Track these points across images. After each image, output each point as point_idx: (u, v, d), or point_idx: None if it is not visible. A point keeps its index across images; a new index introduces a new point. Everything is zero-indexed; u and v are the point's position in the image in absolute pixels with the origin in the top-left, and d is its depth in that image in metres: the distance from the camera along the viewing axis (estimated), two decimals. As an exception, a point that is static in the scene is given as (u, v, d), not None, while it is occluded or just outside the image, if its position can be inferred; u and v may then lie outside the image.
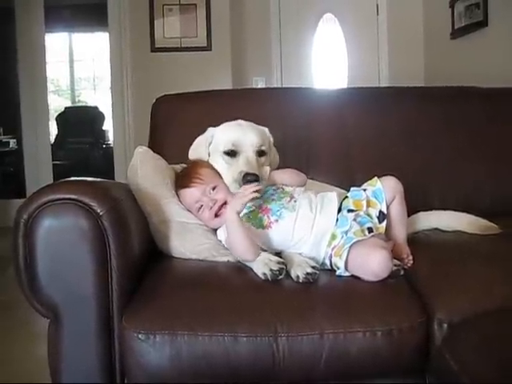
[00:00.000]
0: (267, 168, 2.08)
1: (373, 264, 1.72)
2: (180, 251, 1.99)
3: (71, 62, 11.88)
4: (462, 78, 3.64)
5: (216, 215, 1.97)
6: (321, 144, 2.66)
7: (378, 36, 6.07)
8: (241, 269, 1.85)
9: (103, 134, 10.46)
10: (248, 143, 2.08)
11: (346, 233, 1.84)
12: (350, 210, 1.91)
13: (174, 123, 2.66)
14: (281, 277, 1.75)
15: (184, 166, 2.19)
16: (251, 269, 1.82)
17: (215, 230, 2.00)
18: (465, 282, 1.75)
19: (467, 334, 1.55)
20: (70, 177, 1.82)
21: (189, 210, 2.03)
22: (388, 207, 1.95)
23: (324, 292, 1.75)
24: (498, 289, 1.71)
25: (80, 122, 10.30)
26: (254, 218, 1.92)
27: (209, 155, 2.16)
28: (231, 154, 2.08)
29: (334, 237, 1.86)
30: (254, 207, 1.94)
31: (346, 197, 1.98)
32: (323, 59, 6.46)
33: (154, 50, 6.01)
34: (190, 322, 1.60)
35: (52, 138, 8.86)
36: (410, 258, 1.90)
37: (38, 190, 1.71)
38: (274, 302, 1.67)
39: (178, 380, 1.60)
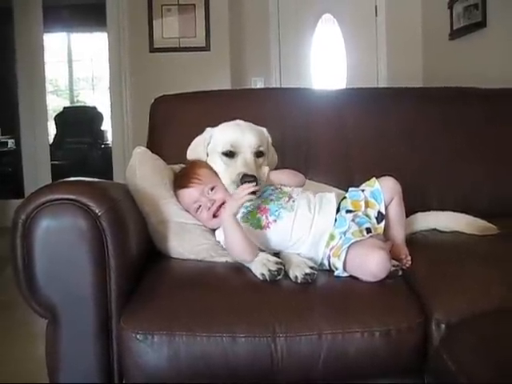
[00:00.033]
0: (265, 168, 2.08)
1: (371, 264, 1.72)
2: (178, 251, 1.99)
3: (70, 62, 11.87)
4: (460, 79, 3.63)
5: (214, 215, 1.97)
6: (319, 144, 2.66)
7: (376, 37, 6.09)
8: (239, 269, 1.85)
9: (102, 134, 10.45)
10: (246, 144, 2.08)
11: (345, 233, 1.84)
12: (348, 211, 1.91)
13: (172, 123, 2.66)
14: (279, 277, 1.75)
15: (182, 166, 2.19)
16: (249, 269, 1.82)
17: (214, 231, 2.00)
18: (463, 283, 1.75)
19: (465, 335, 1.55)
20: (68, 177, 1.82)
21: (187, 211, 2.04)
22: (386, 208, 1.95)
23: (322, 292, 1.75)
24: (495, 289, 1.71)
25: (78, 122, 10.30)
26: (253, 219, 1.92)
27: (207, 155, 2.16)
28: (229, 154, 2.07)
29: (332, 237, 1.87)
30: (252, 207, 1.94)
31: (345, 197, 1.98)
32: (322, 60, 6.47)
33: (153, 50, 6.01)
34: (188, 323, 1.60)
35: (50, 138, 8.88)
36: (409, 258, 1.91)
37: (37, 190, 1.71)
38: (273, 302, 1.67)
39: (176, 380, 1.60)
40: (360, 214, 1.91)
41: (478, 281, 1.75)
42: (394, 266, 1.79)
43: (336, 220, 1.90)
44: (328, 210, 1.94)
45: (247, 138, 2.09)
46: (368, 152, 2.66)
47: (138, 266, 1.90)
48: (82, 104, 11.97)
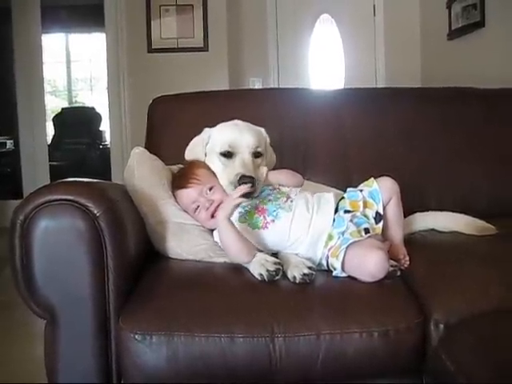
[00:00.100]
0: (264, 169, 2.08)
1: (369, 265, 1.72)
2: (177, 252, 1.99)
3: (68, 62, 11.85)
4: (458, 79, 3.63)
5: (213, 216, 1.97)
6: (318, 144, 2.66)
7: (374, 37, 6.09)
8: (237, 269, 1.85)
9: (100, 134, 10.44)
10: (244, 144, 2.07)
11: (343, 233, 1.84)
12: (346, 211, 1.91)
13: (170, 124, 2.66)
14: (277, 277, 1.75)
15: (181, 166, 2.19)
16: (248, 269, 1.82)
17: (212, 231, 2.00)
18: (461, 283, 1.75)
19: (464, 335, 1.55)
20: (66, 177, 1.82)
21: (185, 211, 2.04)
22: (384, 208, 1.95)
23: (321, 293, 1.75)
24: (494, 290, 1.71)
25: (77, 122, 10.28)
26: (250, 219, 1.92)
27: (205, 156, 2.16)
28: (227, 155, 2.07)
29: (330, 237, 1.87)
30: (250, 207, 1.94)
31: (343, 197, 1.98)
32: (320, 60, 6.47)
33: (151, 50, 6.00)
34: (186, 323, 1.60)
35: (49, 139, 8.86)
36: (407, 258, 1.91)
37: (35, 190, 1.71)
38: (271, 302, 1.68)
39: (174, 380, 1.60)
40: (358, 214, 1.91)
41: (476, 281, 1.75)
42: (392, 266, 1.79)
43: (334, 220, 1.90)
44: (326, 210, 1.94)
45: (245, 139, 2.08)
46: (366, 152, 2.66)
47: (137, 267, 1.90)
48: (81, 104, 11.96)
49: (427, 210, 2.34)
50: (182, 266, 1.95)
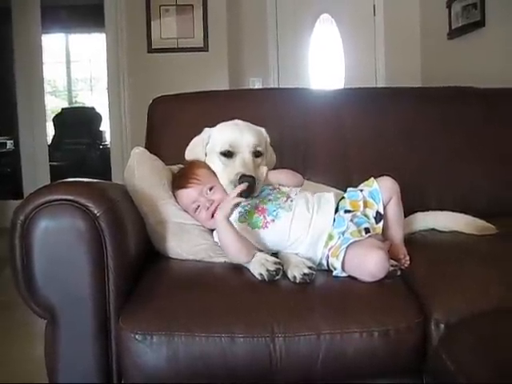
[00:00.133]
0: (264, 168, 2.08)
1: (370, 264, 1.72)
2: (177, 252, 1.99)
3: (68, 62, 11.85)
4: (459, 79, 3.63)
5: (213, 216, 1.96)
6: (318, 144, 2.66)
7: (374, 36, 6.09)
8: (237, 269, 1.85)
9: (100, 134, 10.44)
10: (245, 144, 2.07)
11: (343, 233, 1.84)
12: (346, 211, 1.91)
13: (170, 124, 2.66)
14: (277, 277, 1.75)
15: (181, 166, 2.19)
16: (248, 269, 1.82)
17: (212, 231, 2.00)
18: (462, 283, 1.75)
19: (464, 335, 1.55)
20: (67, 178, 1.82)
21: (186, 211, 2.04)
22: (385, 208, 1.95)
23: (321, 292, 1.75)
24: (494, 289, 1.71)
25: (77, 122, 10.28)
26: (250, 218, 1.92)
27: (205, 155, 2.16)
28: (228, 154, 2.07)
29: (330, 237, 1.87)
30: (249, 207, 1.94)
31: (343, 197, 1.99)
32: (320, 60, 6.47)
33: (151, 50, 6.00)
34: (186, 323, 1.60)
35: (49, 139, 8.86)
36: (407, 258, 1.91)
37: (35, 190, 1.71)
38: (271, 302, 1.68)
39: (175, 380, 1.60)
40: (358, 214, 1.91)
41: (476, 280, 1.75)
42: (392, 265, 1.79)
43: (334, 220, 1.90)
44: (327, 209, 1.94)
45: (245, 138, 2.08)
46: (366, 152, 2.66)
47: (137, 267, 1.90)
48: (81, 105, 11.97)
49: (427, 210, 2.34)
50: (182, 265, 1.95)
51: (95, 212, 1.67)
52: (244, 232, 1.87)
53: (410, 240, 2.07)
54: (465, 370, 1.39)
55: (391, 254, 1.84)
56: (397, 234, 1.98)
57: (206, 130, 2.19)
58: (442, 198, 2.58)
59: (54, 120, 10.43)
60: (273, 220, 1.90)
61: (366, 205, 1.94)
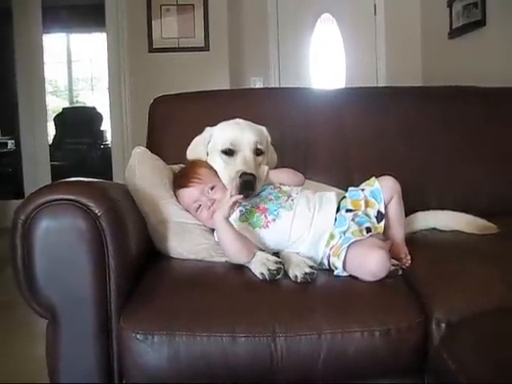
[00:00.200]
0: (265, 167, 2.07)
1: (371, 264, 1.72)
2: (178, 251, 1.99)
3: (69, 62, 11.87)
4: (459, 78, 3.64)
5: (214, 215, 1.97)
6: (319, 144, 2.66)
7: (375, 36, 6.09)
8: (239, 269, 1.85)
9: (101, 134, 10.45)
10: (246, 142, 2.07)
11: (344, 233, 1.84)
12: (348, 210, 1.91)
13: (171, 123, 2.66)
14: (279, 277, 1.75)
15: (182, 166, 2.19)
16: (249, 269, 1.82)
17: (213, 230, 2.00)
18: (463, 282, 1.75)
19: (465, 334, 1.55)
20: (68, 177, 1.82)
21: (187, 210, 2.04)
22: (386, 207, 1.95)
23: (322, 292, 1.75)
24: (495, 288, 1.71)
25: (78, 122, 10.30)
26: (251, 218, 1.92)
27: (207, 155, 2.16)
28: (229, 152, 2.07)
29: (332, 236, 1.87)
30: (250, 206, 1.94)
31: (344, 197, 1.99)
32: (321, 59, 6.47)
33: (152, 50, 6.01)
34: (188, 323, 1.60)
35: (50, 139, 8.88)
36: (408, 257, 1.91)
37: (36, 190, 1.71)
38: (272, 301, 1.68)
39: (176, 380, 1.60)
40: (360, 213, 1.91)
41: (477, 280, 1.75)
42: (393, 265, 1.79)
43: (336, 219, 1.90)
44: (328, 209, 1.94)
45: (247, 136, 2.08)
46: (367, 151, 2.66)
47: (138, 266, 1.90)
48: (82, 104, 11.98)
49: (428, 209, 2.34)
50: (183, 265, 1.95)
51: (96, 212, 1.67)
52: (245, 231, 1.87)
53: (411, 239, 2.07)
54: (466, 370, 1.39)
55: (392, 254, 1.84)
56: (398, 233, 1.98)
57: (208, 129, 2.19)
58: (443, 198, 2.58)
59: (55, 120, 10.45)
60: (274, 219, 1.90)
61: (367, 204, 1.94)
